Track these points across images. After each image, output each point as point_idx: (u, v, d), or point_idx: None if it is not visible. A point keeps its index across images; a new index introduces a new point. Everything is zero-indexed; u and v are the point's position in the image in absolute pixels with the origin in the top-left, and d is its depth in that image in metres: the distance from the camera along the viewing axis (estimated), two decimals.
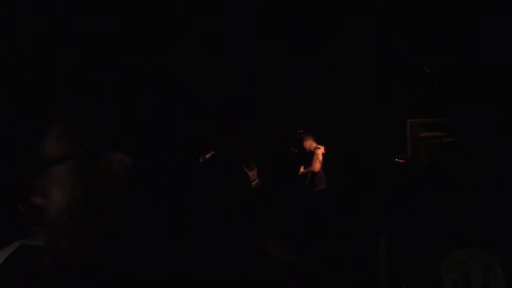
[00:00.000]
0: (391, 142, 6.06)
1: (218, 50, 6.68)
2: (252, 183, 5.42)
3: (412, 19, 6.12)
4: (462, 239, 1.72)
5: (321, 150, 6.08)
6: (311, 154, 6.11)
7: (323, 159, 6.17)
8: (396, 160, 5.16)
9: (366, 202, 2.71)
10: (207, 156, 6.29)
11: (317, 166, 6.10)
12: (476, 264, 1.50)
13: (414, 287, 1.93)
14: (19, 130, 5.79)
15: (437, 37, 6.10)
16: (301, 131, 6.18)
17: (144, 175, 1.06)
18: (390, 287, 2.06)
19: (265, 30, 6.61)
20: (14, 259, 1.69)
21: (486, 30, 5.69)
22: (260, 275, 2.15)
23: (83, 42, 6.19)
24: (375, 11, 6.21)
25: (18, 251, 1.71)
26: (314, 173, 6.08)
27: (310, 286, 2.21)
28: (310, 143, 6.16)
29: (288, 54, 6.71)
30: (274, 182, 5.85)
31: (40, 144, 1.08)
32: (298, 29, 6.57)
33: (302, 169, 6.16)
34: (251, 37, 6.67)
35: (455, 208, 2.29)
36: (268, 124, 6.71)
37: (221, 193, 2.62)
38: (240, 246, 2.46)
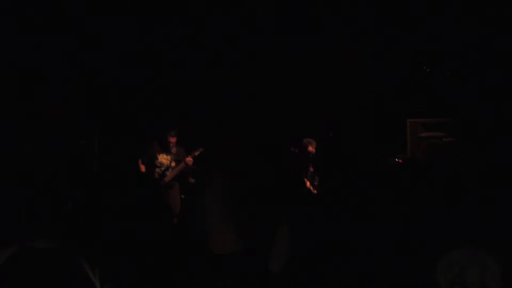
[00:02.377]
0: (391, 142, 6.05)
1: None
2: None
3: (412, 19, 6.13)
4: (458, 239, 1.73)
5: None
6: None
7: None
8: (396, 160, 5.16)
9: (365, 203, 2.71)
10: (196, 153, 6.34)
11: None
12: (472, 264, 1.51)
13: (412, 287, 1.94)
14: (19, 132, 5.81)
15: (437, 37, 6.10)
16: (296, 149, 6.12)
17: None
18: None
19: (262, 31, 6.63)
20: (14, 259, 1.70)
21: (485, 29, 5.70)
22: None
23: None
24: (375, 10, 6.21)
25: (18, 251, 1.72)
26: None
27: None
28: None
29: (286, 55, 6.72)
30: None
31: None
32: (297, 28, 6.58)
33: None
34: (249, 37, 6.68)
35: (454, 208, 2.30)
36: (268, 126, 6.71)
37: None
38: None
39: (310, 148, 6.03)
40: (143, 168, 6.08)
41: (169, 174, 6.05)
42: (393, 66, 6.45)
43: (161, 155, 6.08)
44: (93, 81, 6.59)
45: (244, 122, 6.88)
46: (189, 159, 6.03)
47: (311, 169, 5.95)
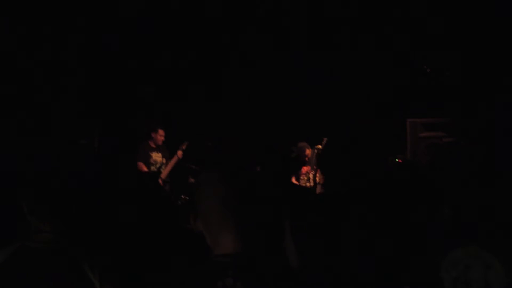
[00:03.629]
0: (391, 142, 6.05)
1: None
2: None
3: (412, 19, 6.13)
4: (462, 238, 1.72)
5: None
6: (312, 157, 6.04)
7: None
8: (396, 160, 5.16)
9: (365, 203, 2.70)
10: (183, 147, 6.55)
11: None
12: (476, 263, 1.50)
13: (416, 286, 1.93)
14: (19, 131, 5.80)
15: (437, 37, 6.11)
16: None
17: None
18: None
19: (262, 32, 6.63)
20: (14, 259, 1.69)
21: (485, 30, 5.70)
22: None
23: None
24: (375, 13, 6.22)
25: (18, 251, 1.71)
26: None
27: None
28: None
29: (289, 56, 6.72)
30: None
31: None
32: (299, 30, 6.58)
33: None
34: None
35: (455, 207, 2.29)
36: (268, 125, 6.71)
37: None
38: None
39: (307, 151, 6.03)
40: (145, 168, 6.15)
41: (164, 171, 6.16)
42: (393, 67, 6.45)
43: (153, 153, 6.20)
44: (93, 80, 6.58)
45: (244, 122, 6.88)
46: (179, 153, 6.21)
47: (305, 170, 5.97)
